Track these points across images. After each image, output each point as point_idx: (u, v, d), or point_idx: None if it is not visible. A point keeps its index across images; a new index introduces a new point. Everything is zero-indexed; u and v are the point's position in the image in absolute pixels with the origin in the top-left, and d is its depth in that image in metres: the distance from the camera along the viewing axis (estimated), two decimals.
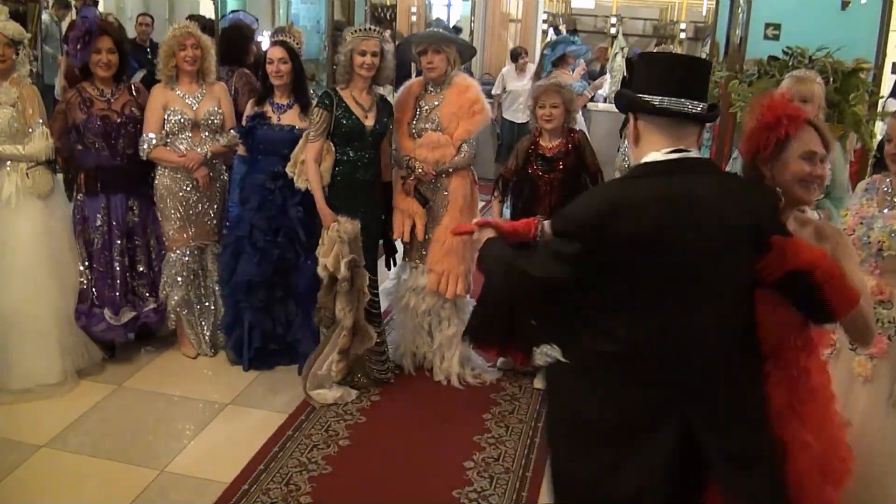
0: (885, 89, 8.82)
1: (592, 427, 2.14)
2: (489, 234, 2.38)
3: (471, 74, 9.62)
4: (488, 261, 2.29)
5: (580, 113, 7.02)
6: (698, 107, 2.07)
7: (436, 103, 4.44)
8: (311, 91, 4.77)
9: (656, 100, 2.07)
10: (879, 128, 4.69)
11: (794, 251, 2.06)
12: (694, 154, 2.11)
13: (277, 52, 4.46)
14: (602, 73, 9.20)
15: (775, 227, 2.11)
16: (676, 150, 2.08)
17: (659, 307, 2.04)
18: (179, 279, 4.65)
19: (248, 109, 4.56)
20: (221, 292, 4.74)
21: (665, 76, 2.09)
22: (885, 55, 5.16)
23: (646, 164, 2.10)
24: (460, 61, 4.59)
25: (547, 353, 2.18)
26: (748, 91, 4.52)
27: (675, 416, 2.07)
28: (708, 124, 2.39)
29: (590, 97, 7.04)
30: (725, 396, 2.08)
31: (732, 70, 5.02)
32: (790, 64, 4.62)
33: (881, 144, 4.88)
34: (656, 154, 2.09)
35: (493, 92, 8.96)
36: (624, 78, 2.44)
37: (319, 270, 4.15)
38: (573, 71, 7.16)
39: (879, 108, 4.98)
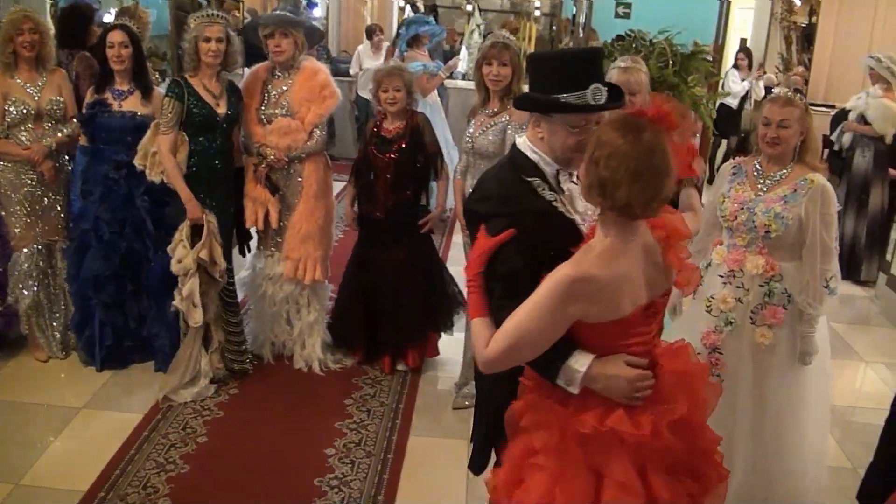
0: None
1: None
2: None
3: (328, 52, 9.60)
4: None
5: (435, 91, 7.14)
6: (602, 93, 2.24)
7: (284, 88, 4.40)
8: (156, 75, 4.67)
9: (563, 96, 2.21)
10: None
11: None
12: None
13: (117, 36, 4.31)
14: (453, 52, 9.31)
15: None
16: None
17: None
18: (30, 280, 4.48)
19: (88, 96, 4.40)
20: (69, 290, 4.59)
21: (564, 71, 2.25)
22: (725, 37, 5.45)
23: None
24: (308, 45, 4.58)
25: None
26: None
27: None
28: None
29: (445, 76, 7.11)
30: None
31: None
32: (633, 46, 4.81)
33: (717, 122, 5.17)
34: None
35: (350, 71, 8.93)
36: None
37: (181, 264, 4.08)
38: (427, 50, 7.23)
39: (720, 88, 5.28)
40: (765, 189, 3.31)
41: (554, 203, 2.26)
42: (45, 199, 4.49)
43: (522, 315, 1.99)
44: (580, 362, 2.04)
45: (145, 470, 3.65)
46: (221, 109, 4.22)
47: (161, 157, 4.15)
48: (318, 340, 4.67)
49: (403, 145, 4.39)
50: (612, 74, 3.55)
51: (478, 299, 2.13)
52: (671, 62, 4.45)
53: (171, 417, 4.08)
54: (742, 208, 3.31)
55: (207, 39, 4.12)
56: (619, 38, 5.16)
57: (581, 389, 2.05)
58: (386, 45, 8.44)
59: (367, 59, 8.66)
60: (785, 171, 3.30)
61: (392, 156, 4.38)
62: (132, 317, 4.53)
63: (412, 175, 4.46)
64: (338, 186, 4.83)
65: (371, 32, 8.78)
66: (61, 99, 4.46)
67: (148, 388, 4.33)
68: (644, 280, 2.08)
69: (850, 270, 7.09)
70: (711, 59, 5.10)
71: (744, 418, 3.38)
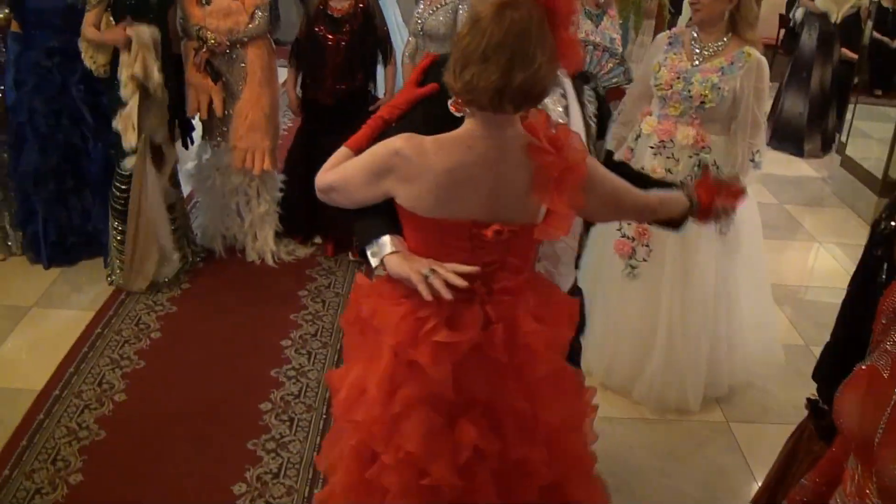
0: None
1: None
2: None
3: None
4: None
5: None
6: None
7: None
8: None
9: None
10: None
11: None
12: None
13: None
14: None
15: None
16: None
17: None
18: None
19: None
20: (10, 186, 4.44)
21: None
22: None
23: None
24: None
25: None
26: None
27: None
28: None
29: None
30: None
31: None
32: None
33: None
34: None
35: None
36: None
37: (123, 89, 3.90)
38: None
39: None
40: (701, 59, 3.33)
41: None
42: None
43: (351, 163, 1.86)
44: (392, 243, 1.85)
45: (100, 367, 3.63)
46: None
47: (83, 31, 3.94)
48: (271, 232, 4.61)
49: (355, 27, 4.22)
50: None
51: (366, 135, 1.92)
52: None
53: (123, 314, 4.04)
54: (678, 77, 3.32)
55: None
56: None
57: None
58: None
59: None
60: (721, 42, 3.30)
61: (344, 38, 4.21)
62: (76, 212, 4.42)
63: (362, 60, 4.32)
64: (283, 73, 4.67)
65: None
66: None
67: (98, 283, 4.27)
68: (487, 195, 1.78)
69: (793, 146, 7.20)
70: None
71: (672, 298, 3.45)
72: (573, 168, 1.72)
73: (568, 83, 2.04)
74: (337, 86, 4.28)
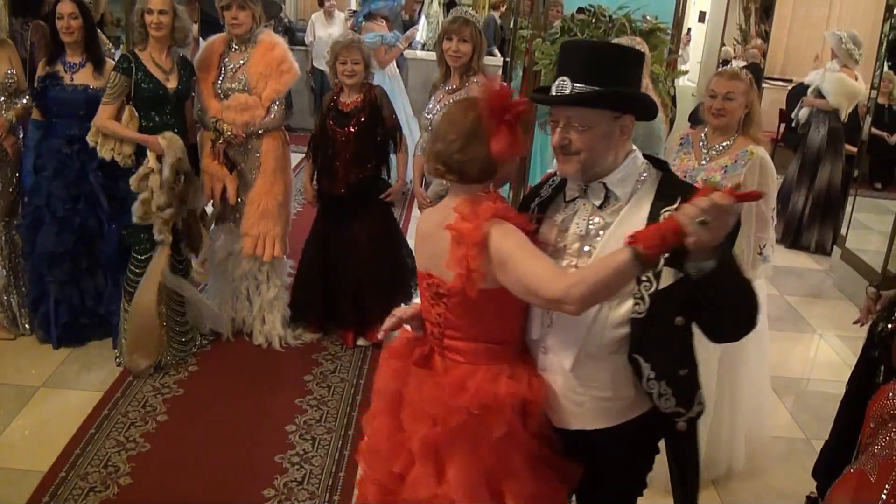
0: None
1: None
2: None
3: (285, 22, 9.47)
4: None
5: (394, 63, 7.09)
6: (572, 87, 1.92)
7: (241, 62, 4.36)
8: (109, 46, 4.60)
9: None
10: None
11: None
12: None
13: (67, 7, 4.19)
14: (412, 22, 9.22)
15: None
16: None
17: None
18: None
19: (40, 69, 4.30)
20: (24, 267, 4.53)
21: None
22: (683, 14, 5.47)
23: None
24: (265, 17, 4.54)
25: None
26: (551, 49, 4.70)
27: None
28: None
29: (403, 48, 7.07)
30: None
31: (538, 27, 5.18)
32: (592, 22, 4.83)
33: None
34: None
35: (305, 40, 8.81)
36: None
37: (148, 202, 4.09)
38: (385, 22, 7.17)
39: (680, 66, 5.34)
40: (707, 159, 3.43)
41: (535, 201, 2.19)
42: (4, 175, 4.41)
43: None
44: None
45: (106, 449, 3.65)
46: (172, 84, 4.17)
47: (101, 125, 4.10)
48: (279, 316, 4.67)
49: (362, 119, 4.37)
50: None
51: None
52: None
53: (130, 395, 4.08)
54: (685, 176, 3.39)
55: (150, 11, 4.07)
56: (581, 10, 5.18)
57: None
58: (340, 14, 8.36)
59: (321, 27, 8.56)
60: (728, 142, 3.41)
61: (351, 130, 4.36)
62: (88, 294, 4.49)
63: (372, 150, 4.46)
64: (296, 158, 4.80)
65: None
66: (13, 71, 4.37)
67: (107, 364, 4.32)
68: (431, 252, 2.16)
69: (798, 241, 7.30)
70: (670, 35, 5.14)
71: None
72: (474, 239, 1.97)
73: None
74: (349, 176, 4.41)
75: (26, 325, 4.59)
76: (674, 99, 6.82)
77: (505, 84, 2.36)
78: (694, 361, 1.97)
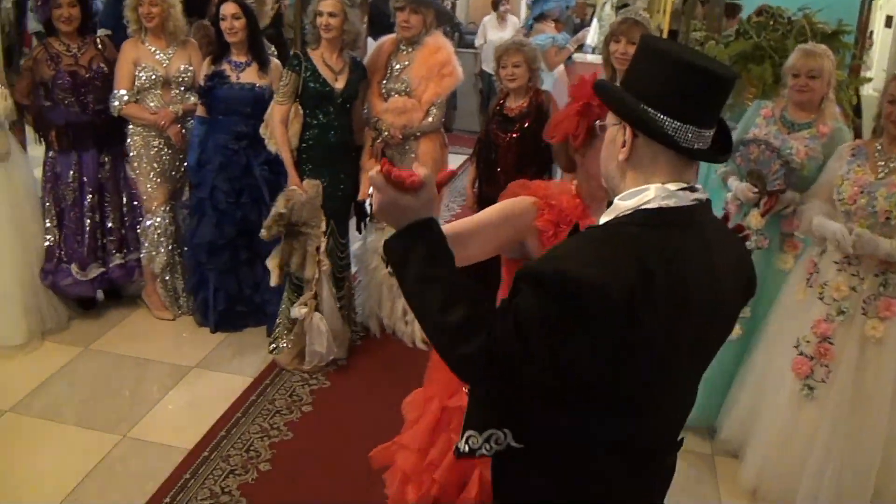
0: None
1: None
2: (429, 208, 1.60)
3: (457, 24, 9.49)
4: (409, 281, 1.55)
5: (563, 65, 6.93)
6: (709, 138, 1.57)
7: (406, 63, 4.35)
8: (272, 49, 4.69)
9: (668, 122, 1.51)
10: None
11: None
12: (702, 195, 1.58)
13: (230, 8, 4.29)
14: (583, 25, 9.01)
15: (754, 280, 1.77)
16: (687, 187, 1.55)
17: (660, 391, 1.59)
18: (164, 239, 4.62)
19: (205, 68, 4.42)
20: (184, 254, 4.72)
21: (687, 94, 1.51)
22: (868, 17, 5.01)
23: (654, 210, 1.53)
24: (436, 24, 4.49)
25: (492, 440, 1.65)
26: (725, 53, 4.40)
27: None
28: None
29: (573, 50, 6.89)
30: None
31: (713, 29, 4.88)
32: (769, 25, 4.50)
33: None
34: (660, 190, 1.54)
35: (475, 43, 8.78)
36: None
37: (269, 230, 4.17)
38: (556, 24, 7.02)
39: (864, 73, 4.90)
40: (886, 172, 3.16)
41: None
42: (172, 162, 4.61)
43: None
44: None
45: (250, 434, 3.70)
46: (339, 85, 4.18)
47: (272, 126, 4.17)
48: None
49: (527, 125, 4.24)
50: (794, 57, 3.50)
51: None
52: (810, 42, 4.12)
53: (279, 383, 4.12)
54: (862, 192, 3.16)
55: (321, 13, 4.10)
56: (760, 12, 4.84)
57: None
58: (514, 19, 8.26)
59: (492, 31, 8.50)
60: None
61: (514, 135, 4.24)
62: (247, 284, 4.61)
63: (535, 156, 4.31)
64: (459, 159, 4.72)
65: (497, 3, 8.59)
66: (191, 67, 4.54)
67: (260, 351, 4.41)
68: None
69: None
70: (856, 40, 4.71)
71: (843, 413, 3.25)
72: None
73: None
74: (509, 181, 4.26)
75: (188, 307, 4.73)
76: (858, 108, 6.31)
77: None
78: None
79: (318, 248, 4.19)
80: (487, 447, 1.64)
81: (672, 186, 1.53)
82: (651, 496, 1.74)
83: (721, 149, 1.60)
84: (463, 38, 8.93)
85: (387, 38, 4.51)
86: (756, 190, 3.54)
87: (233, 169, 4.41)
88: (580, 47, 6.89)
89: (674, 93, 1.50)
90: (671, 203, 1.52)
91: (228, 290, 4.56)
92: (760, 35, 4.31)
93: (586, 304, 1.39)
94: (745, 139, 3.61)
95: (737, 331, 3.67)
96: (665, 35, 5.40)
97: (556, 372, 1.45)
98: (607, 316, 1.40)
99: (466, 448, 1.65)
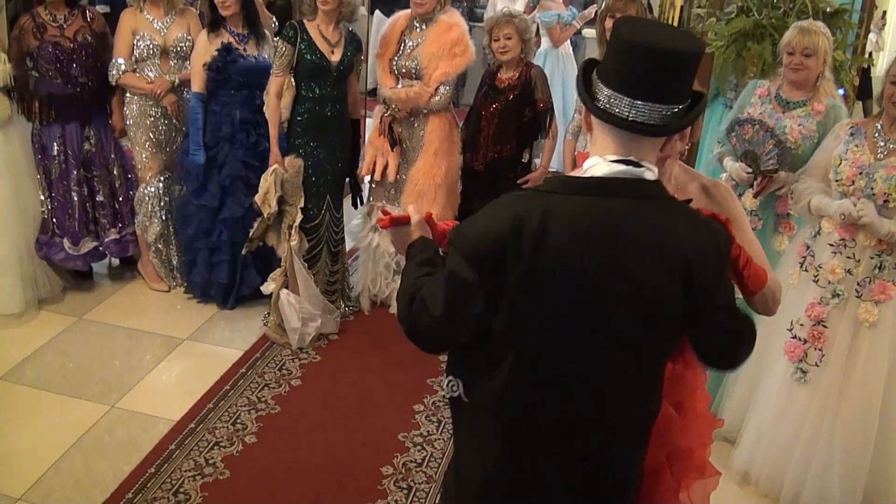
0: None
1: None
2: (421, 231, 1.93)
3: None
4: (403, 278, 1.85)
5: (568, 42, 6.84)
6: (660, 113, 1.60)
7: (419, 41, 4.29)
8: (274, 22, 4.66)
9: (605, 92, 1.62)
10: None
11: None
12: (646, 172, 1.65)
13: None
14: (591, 1, 8.87)
15: (711, 277, 1.69)
16: (624, 160, 1.64)
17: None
18: (157, 210, 4.61)
19: (205, 41, 4.29)
20: (177, 227, 4.67)
21: (628, 69, 1.60)
22: None
23: (573, 178, 1.70)
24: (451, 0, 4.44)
25: (451, 386, 1.82)
26: (726, 30, 4.33)
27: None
28: None
29: (580, 26, 6.79)
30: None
31: (715, 6, 4.78)
32: (774, 1, 4.41)
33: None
34: (598, 162, 1.65)
35: (484, 16, 8.65)
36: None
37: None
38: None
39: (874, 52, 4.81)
40: (885, 153, 3.10)
41: None
42: (167, 132, 4.59)
43: None
44: None
45: (237, 406, 3.71)
46: (335, 58, 4.13)
47: (267, 99, 4.12)
48: None
49: (511, 97, 4.21)
50: (790, 34, 3.46)
51: None
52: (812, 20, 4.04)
53: (269, 357, 4.12)
54: (861, 173, 3.11)
55: None
56: None
57: None
58: None
59: (502, 5, 8.37)
60: None
61: (497, 105, 4.21)
62: (241, 260, 4.55)
63: (516, 129, 4.29)
64: None
65: None
66: (189, 36, 4.50)
67: (252, 325, 4.40)
68: None
69: None
70: (860, 19, 4.62)
71: (835, 397, 3.22)
72: None
73: None
74: (489, 153, 4.28)
75: (182, 279, 4.74)
76: (865, 89, 6.19)
77: None
78: None
79: (290, 226, 4.16)
80: (445, 390, 1.84)
81: (609, 157, 1.64)
82: (570, 478, 1.76)
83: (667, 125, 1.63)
84: (473, 13, 8.82)
85: (401, 14, 4.45)
86: (750, 170, 3.50)
87: (261, 142, 4.33)
88: (587, 23, 6.78)
89: (616, 66, 1.62)
90: (595, 173, 1.64)
91: (223, 267, 4.49)
92: (762, 12, 4.22)
93: (472, 253, 1.63)
94: (740, 119, 3.56)
95: None
96: (676, 11, 5.32)
97: (470, 326, 1.67)
98: (487, 263, 1.61)
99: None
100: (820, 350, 3.21)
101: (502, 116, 4.21)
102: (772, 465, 3.38)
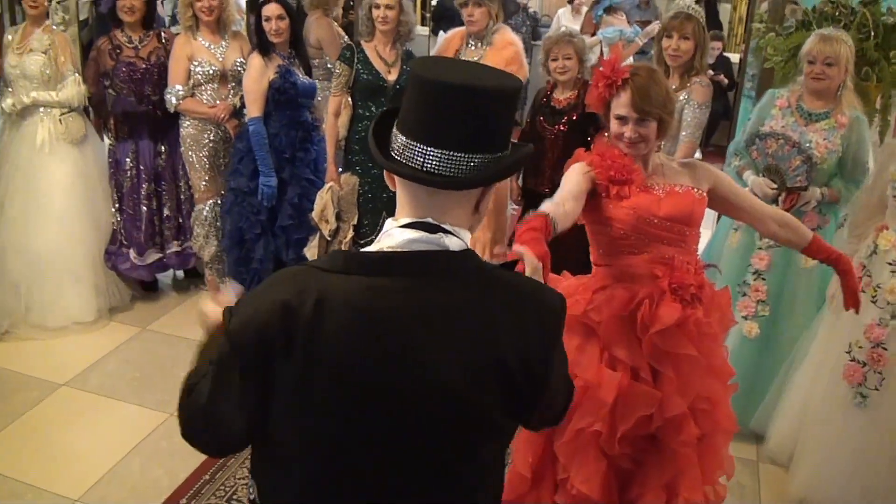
0: None
1: None
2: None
3: (532, 17, 9.41)
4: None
5: (631, 59, 6.79)
6: (459, 163, 1.35)
7: (475, 59, 4.27)
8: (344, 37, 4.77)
9: (397, 142, 1.40)
10: None
11: None
12: (447, 238, 1.40)
13: (274, 10, 4.25)
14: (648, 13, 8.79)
15: (538, 365, 1.43)
16: (420, 222, 1.40)
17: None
18: (213, 230, 4.72)
19: (259, 65, 4.27)
20: (226, 243, 4.66)
21: (421, 111, 1.38)
22: None
23: (361, 253, 1.44)
24: (503, 15, 4.46)
25: (250, 489, 1.61)
26: (784, 44, 4.25)
27: None
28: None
29: (642, 43, 6.75)
30: None
31: (775, 21, 4.70)
32: (835, 15, 4.32)
33: None
34: (390, 228, 1.43)
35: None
36: None
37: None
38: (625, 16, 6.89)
39: None
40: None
41: None
42: (224, 156, 4.67)
43: None
44: None
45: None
46: (392, 77, 4.20)
47: (326, 118, 4.22)
48: None
49: (574, 117, 4.18)
50: (811, 42, 3.43)
51: None
52: (872, 34, 3.94)
53: None
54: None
55: (377, 6, 4.13)
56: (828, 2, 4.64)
57: None
58: (585, 9, 8.13)
59: (567, 23, 8.39)
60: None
61: (561, 128, 4.18)
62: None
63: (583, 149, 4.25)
64: None
65: None
66: (243, 61, 4.55)
67: None
68: None
69: None
70: None
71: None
72: None
73: None
74: (555, 175, 4.24)
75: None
76: None
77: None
78: None
79: (341, 243, 4.23)
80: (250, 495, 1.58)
81: (402, 221, 1.42)
82: None
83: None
84: (536, 32, 8.85)
85: (455, 32, 4.49)
86: (775, 186, 3.43)
87: (308, 158, 4.44)
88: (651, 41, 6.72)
89: (408, 108, 1.39)
90: (387, 243, 1.40)
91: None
92: (821, 26, 4.14)
93: (236, 339, 1.36)
94: (762, 132, 3.49)
95: (755, 330, 3.60)
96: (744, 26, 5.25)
97: (237, 422, 1.42)
98: (252, 353, 1.35)
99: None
100: (880, 374, 3.11)
101: (567, 138, 4.15)
102: (830, 491, 3.28)
